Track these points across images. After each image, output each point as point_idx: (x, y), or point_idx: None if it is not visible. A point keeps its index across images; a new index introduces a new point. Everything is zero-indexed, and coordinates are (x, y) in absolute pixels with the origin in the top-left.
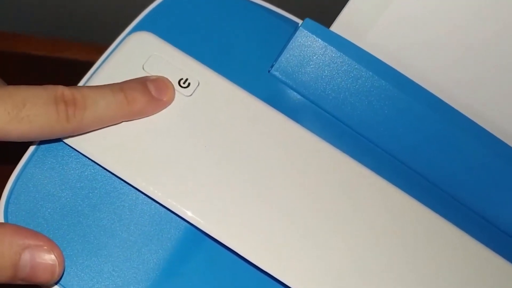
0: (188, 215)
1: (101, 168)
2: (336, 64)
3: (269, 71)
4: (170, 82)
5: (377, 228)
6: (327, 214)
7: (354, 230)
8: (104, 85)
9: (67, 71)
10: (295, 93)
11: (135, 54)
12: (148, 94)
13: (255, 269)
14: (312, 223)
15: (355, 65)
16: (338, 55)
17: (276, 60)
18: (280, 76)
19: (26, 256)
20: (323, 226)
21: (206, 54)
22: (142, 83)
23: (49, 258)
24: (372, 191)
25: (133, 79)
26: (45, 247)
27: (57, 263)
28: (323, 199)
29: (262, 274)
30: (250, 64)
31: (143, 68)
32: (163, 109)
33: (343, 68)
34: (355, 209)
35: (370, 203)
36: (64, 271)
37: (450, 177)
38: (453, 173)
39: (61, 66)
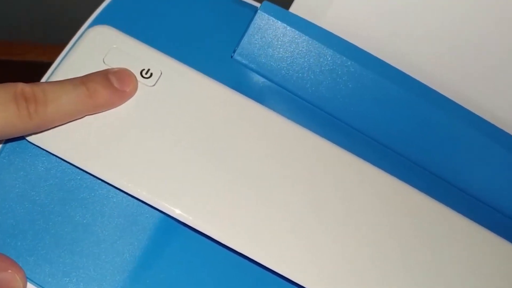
0: (166, 206)
1: (68, 164)
2: (297, 45)
3: (232, 57)
4: (132, 73)
5: (359, 210)
6: (300, 194)
7: (332, 210)
8: (65, 79)
9: (31, 73)
10: (259, 77)
11: (94, 48)
12: (111, 86)
13: (231, 254)
14: (285, 202)
15: (316, 44)
16: (299, 35)
17: (238, 45)
18: (243, 61)
19: None
20: (297, 206)
21: (167, 44)
22: (104, 75)
23: (13, 280)
24: (344, 169)
25: (94, 72)
26: (10, 271)
27: (21, 285)
28: (294, 180)
29: (236, 258)
30: (213, 50)
31: (103, 62)
32: (127, 100)
33: (304, 48)
34: (326, 185)
35: (342, 180)
36: None
37: (417, 149)
38: (421, 145)
39: (25, 68)
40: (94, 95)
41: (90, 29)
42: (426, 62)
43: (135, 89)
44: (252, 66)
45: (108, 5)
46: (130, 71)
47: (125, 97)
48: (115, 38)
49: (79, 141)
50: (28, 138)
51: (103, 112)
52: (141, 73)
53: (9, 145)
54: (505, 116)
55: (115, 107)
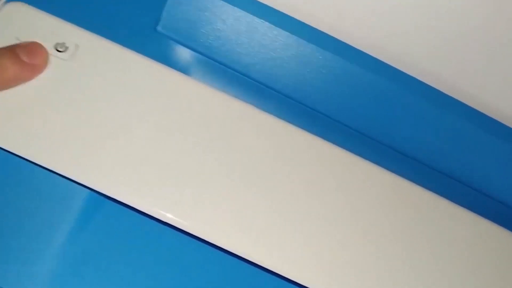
0: (90, 181)
1: None
2: (221, 13)
3: (155, 29)
4: (42, 45)
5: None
6: (235, 162)
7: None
8: None
9: None
10: (185, 48)
11: (8, 25)
12: (19, 60)
13: (152, 222)
14: (216, 170)
15: (240, 13)
16: (221, 3)
17: (160, 16)
18: (166, 33)
19: None
20: (244, 177)
21: (88, 18)
22: (11, 49)
23: None
24: (273, 133)
25: (0, 48)
26: None
27: None
28: (216, 149)
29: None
30: (137, 24)
31: (17, 38)
32: (39, 74)
33: (229, 17)
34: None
35: (274, 143)
36: None
37: (360, 116)
38: (364, 112)
39: None
40: (1, 70)
41: (3, 6)
42: (363, 30)
43: (45, 62)
44: (176, 37)
45: None
46: (39, 44)
47: (36, 71)
48: (29, 14)
49: None
50: None
51: (16, 88)
52: (56, 47)
53: None
54: (501, 108)
55: (26, 81)
